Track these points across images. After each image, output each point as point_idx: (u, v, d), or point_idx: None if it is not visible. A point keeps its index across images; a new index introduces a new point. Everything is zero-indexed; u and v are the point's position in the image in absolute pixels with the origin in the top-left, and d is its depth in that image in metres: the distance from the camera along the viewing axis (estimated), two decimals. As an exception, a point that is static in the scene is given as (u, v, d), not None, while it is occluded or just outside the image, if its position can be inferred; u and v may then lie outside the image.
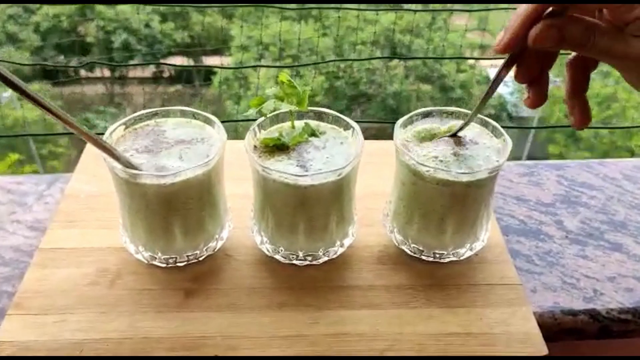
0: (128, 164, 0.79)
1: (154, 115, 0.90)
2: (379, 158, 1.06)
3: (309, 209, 0.85)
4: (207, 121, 0.90)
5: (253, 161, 0.83)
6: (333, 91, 9.92)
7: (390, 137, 0.91)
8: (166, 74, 12.06)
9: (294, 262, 0.91)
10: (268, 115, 0.87)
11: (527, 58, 0.73)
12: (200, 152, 0.85)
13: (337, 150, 0.87)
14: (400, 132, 0.90)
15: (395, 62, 10.42)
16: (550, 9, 0.67)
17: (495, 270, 0.92)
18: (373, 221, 1.00)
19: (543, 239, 1.03)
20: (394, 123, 0.90)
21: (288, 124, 0.91)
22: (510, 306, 0.87)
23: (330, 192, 0.83)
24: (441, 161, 0.85)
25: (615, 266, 0.98)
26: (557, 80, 6.87)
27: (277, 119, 0.91)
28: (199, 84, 11.33)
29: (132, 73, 11.99)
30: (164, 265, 0.89)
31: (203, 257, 0.91)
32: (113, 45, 10.79)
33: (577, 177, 1.17)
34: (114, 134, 0.86)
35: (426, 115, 0.93)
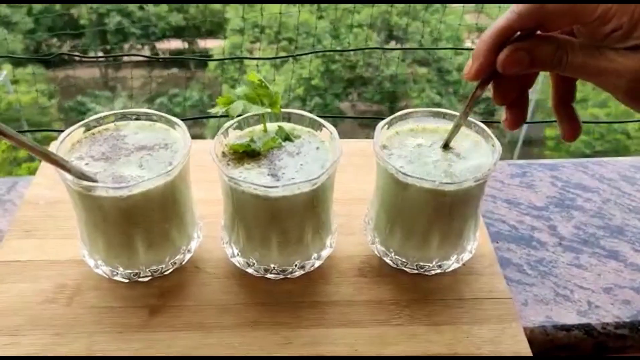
0: (81, 175, 0.72)
1: (114, 117, 0.83)
2: (360, 159, 1.00)
3: (281, 221, 0.78)
4: (172, 124, 0.83)
5: (220, 170, 0.76)
6: (329, 74, 9.85)
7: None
8: (161, 57, 11.94)
9: (268, 276, 0.84)
10: (236, 118, 0.80)
11: (504, 78, 0.67)
12: (163, 159, 0.78)
13: (312, 157, 0.80)
14: (381, 135, 0.83)
15: (391, 44, 10.34)
16: (518, 33, 0.62)
17: (483, 282, 0.86)
18: (354, 229, 0.94)
19: (535, 247, 0.97)
20: (379, 119, 0.84)
21: (260, 127, 0.84)
22: (499, 322, 0.81)
23: (305, 203, 0.77)
24: (424, 169, 0.78)
25: (611, 276, 0.92)
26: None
27: (248, 121, 0.85)
28: (195, 67, 11.24)
29: (126, 57, 11.87)
30: (126, 280, 0.83)
31: (169, 271, 0.84)
32: (107, 28, 10.67)
33: (571, 177, 1.11)
34: (68, 139, 0.79)
35: (405, 117, 0.86)
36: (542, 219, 1.02)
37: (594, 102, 8.20)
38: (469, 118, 0.83)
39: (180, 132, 0.82)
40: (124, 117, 0.84)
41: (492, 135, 0.82)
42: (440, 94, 9.40)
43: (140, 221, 0.76)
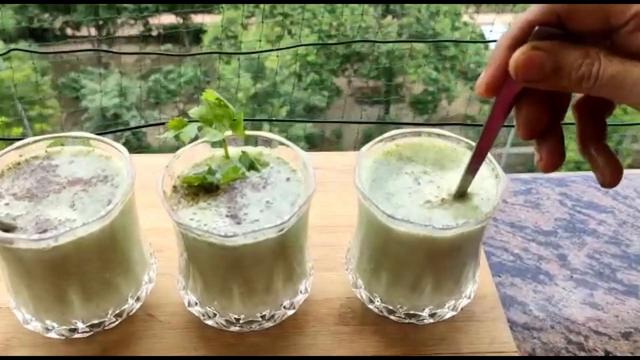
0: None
1: (46, 142, 0.70)
2: (344, 176, 0.87)
3: (243, 271, 0.65)
4: (113, 151, 0.69)
5: (168, 212, 0.63)
6: (325, 50, 9.68)
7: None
8: (155, 33, 11.75)
9: (231, 329, 0.71)
10: (188, 146, 0.67)
11: (527, 102, 0.53)
12: (101, 197, 0.65)
13: (281, 191, 0.67)
14: (363, 163, 0.70)
15: (388, 19, 10.16)
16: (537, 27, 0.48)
17: (484, 332, 0.74)
18: (335, 262, 0.81)
19: (543, 281, 0.84)
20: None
21: (220, 152, 0.71)
22: (502, 383, 0.69)
23: (272, 249, 0.64)
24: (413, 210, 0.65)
25: (631, 317, 0.80)
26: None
27: (206, 145, 0.71)
28: (190, 43, 11.06)
29: (119, 32, 11.69)
30: (61, 337, 0.70)
31: (114, 325, 0.71)
32: (99, 4, 10.47)
33: (582, 195, 0.98)
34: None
35: (391, 139, 0.73)
36: (550, 247, 0.89)
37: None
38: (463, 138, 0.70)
39: (123, 160, 0.68)
40: (57, 141, 0.70)
41: (494, 162, 0.69)
42: (437, 69, 9.24)
43: (72, 272, 0.63)
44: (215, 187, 0.67)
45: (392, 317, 0.74)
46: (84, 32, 11.65)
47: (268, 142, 0.72)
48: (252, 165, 0.69)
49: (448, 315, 0.74)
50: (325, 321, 0.75)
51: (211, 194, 0.66)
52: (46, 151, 0.70)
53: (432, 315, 0.73)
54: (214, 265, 0.65)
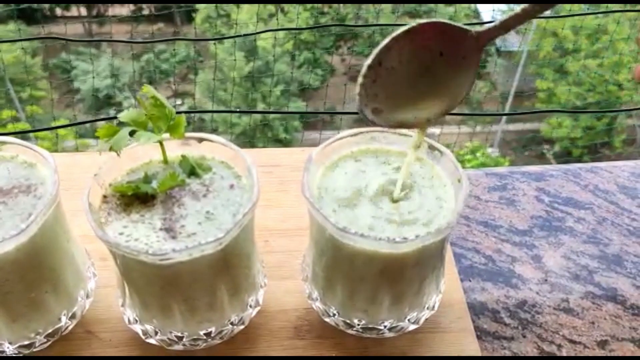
0: None
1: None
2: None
3: (182, 289, 0.60)
4: (39, 158, 0.63)
5: (93, 229, 0.57)
6: (319, 28, 9.59)
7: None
8: (146, 12, 11.61)
9: (174, 347, 0.66)
10: (120, 154, 0.61)
11: None
12: (20, 210, 0.59)
13: (223, 199, 0.61)
14: (313, 172, 0.64)
15: (383, -8, 10.06)
16: None
17: (449, 344, 0.69)
18: (292, 270, 0.76)
19: (516, 285, 0.79)
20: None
21: (159, 156, 0.65)
22: (468, 400, 0.64)
23: (212, 265, 0.58)
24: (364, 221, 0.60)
25: (608, 323, 0.75)
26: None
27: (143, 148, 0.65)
28: (181, 22, 10.94)
29: (110, 11, 11.55)
30: (-11, 360, 0.64)
31: (46, 345, 0.65)
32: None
33: (561, 190, 0.92)
34: None
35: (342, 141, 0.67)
36: (524, 247, 0.83)
37: (586, 53, 7.99)
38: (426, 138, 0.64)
39: (48, 168, 0.62)
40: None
41: (457, 164, 0.63)
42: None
43: (-10, 295, 0.58)
44: (151, 197, 0.61)
45: (350, 331, 0.68)
46: (73, 11, 11.53)
47: (212, 144, 0.66)
48: (192, 170, 0.64)
49: (411, 328, 0.68)
50: (279, 334, 0.70)
51: (146, 204, 0.60)
52: (-36, 158, 0.64)
53: (392, 329, 0.67)
54: (149, 283, 0.59)
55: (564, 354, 0.71)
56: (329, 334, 0.70)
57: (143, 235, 0.57)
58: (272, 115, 7.63)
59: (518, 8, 0.53)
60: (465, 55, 0.55)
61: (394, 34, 0.53)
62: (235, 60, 6.45)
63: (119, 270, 0.61)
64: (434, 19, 0.54)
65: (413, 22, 0.54)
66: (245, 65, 8.30)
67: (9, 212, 0.58)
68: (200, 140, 0.65)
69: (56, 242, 0.62)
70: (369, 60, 0.53)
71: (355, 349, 0.68)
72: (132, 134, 0.60)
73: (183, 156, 0.64)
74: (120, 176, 0.63)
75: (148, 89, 0.61)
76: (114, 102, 9.06)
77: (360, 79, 0.54)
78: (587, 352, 0.71)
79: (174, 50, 8.99)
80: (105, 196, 0.61)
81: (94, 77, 8.09)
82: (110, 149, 0.59)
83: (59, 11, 11.11)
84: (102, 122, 0.65)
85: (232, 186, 0.63)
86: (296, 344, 0.69)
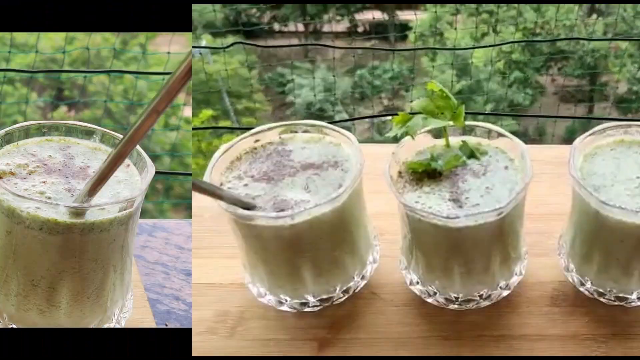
0: (237, 203, 0.66)
1: (279, 129, 0.77)
2: (556, 168, 0.87)
3: (464, 252, 0.69)
4: (342, 139, 0.75)
5: (395, 195, 0.68)
6: (529, 48, 9.46)
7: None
8: (361, 29, 11.96)
9: (450, 307, 0.75)
10: (416, 136, 0.71)
11: None
12: (332, 181, 0.70)
13: (499, 178, 0.70)
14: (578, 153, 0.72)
15: (593, 18, 9.75)
16: None
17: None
18: (547, 249, 0.82)
19: None
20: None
21: (441, 141, 0.75)
22: None
23: (491, 232, 0.67)
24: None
25: None
26: None
27: (427, 135, 0.75)
28: (395, 38, 11.17)
29: (326, 27, 12.01)
30: (293, 310, 0.76)
31: (341, 300, 0.77)
32: (306, -1, 10.82)
33: None
34: (229, 153, 0.74)
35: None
36: None
37: None
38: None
39: (352, 148, 0.73)
40: (287, 129, 0.77)
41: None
42: (641, 67, 8.75)
43: (306, 250, 0.69)
44: (438, 174, 0.71)
45: (602, 299, 0.75)
46: (291, 27, 12.06)
47: (487, 133, 0.75)
48: (472, 153, 0.73)
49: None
50: (537, 303, 0.77)
51: (434, 179, 0.70)
52: (280, 137, 0.76)
53: (640, 298, 0.74)
54: (437, 246, 0.69)
55: None
56: (582, 303, 0.76)
57: (435, 203, 0.68)
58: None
59: None
60: None
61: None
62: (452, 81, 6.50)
63: (410, 235, 0.71)
64: None
65: None
66: (457, 84, 8.31)
67: (322, 182, 0.71)
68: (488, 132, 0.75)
69: (356, 211, 0.73)
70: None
71: (605, 316, 0.75)
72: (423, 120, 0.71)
73: (463, 141, 0.74)
74: (410, 156, 0.74)
75: (434, 84, 0.71)
76: (326, 116, 9.37)
77: None
78: None
79: (392, 66, 9.10)
80: (400, 172, 0.72)
81: (308, 91, 8.36)
82: (406, 133, 0.70)
83: (276, 26, 11.65)
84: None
85: (506, 167, 0.72)
86: (553, 310, 0.76)
